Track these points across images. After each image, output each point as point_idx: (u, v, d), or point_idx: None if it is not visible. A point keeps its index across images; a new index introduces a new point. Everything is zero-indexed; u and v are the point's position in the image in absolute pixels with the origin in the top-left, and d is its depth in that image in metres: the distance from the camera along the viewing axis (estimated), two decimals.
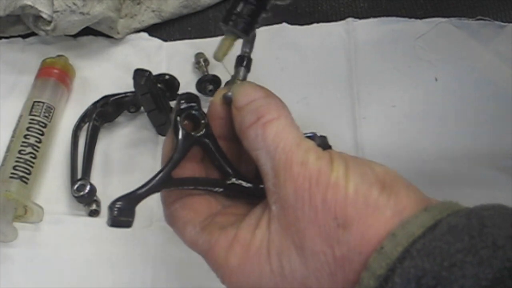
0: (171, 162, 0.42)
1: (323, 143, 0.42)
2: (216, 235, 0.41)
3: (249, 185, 0.43)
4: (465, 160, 0.66)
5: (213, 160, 0.43)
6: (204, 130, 0.43)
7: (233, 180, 0.43)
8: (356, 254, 0.36)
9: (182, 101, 0.44)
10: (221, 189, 0.43)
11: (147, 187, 0.41)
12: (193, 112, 0.43)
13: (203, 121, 0.43)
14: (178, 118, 0.43)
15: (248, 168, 0.45)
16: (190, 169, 0.43)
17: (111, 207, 0.40)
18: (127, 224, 0.40)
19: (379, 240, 0.36)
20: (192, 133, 0.43)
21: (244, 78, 0.45)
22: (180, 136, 0.42)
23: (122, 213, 0.40)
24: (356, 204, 0.36)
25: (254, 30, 0.46)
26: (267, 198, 0.39)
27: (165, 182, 0.42)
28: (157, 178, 0.41)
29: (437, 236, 0.34)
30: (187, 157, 0.43)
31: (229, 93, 0.43)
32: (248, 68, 0.46)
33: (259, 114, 0.40)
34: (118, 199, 0.40)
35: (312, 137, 0.42)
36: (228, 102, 0.43)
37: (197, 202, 0.43)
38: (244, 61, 0.45)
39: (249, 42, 0.46)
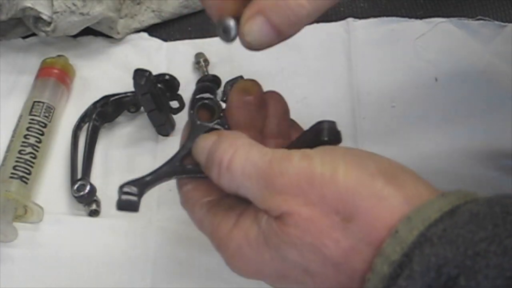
0: (183, 149, 0.42)
1: (330, 129, 0.41)
2: (219, 217, 0.40)
3: None
4: (465, 160, 0.66)
5: None
6: (218, 118, 0.44)
7: None
8: (365, 245, 0.34)
9: (198, 91, 0.45)
10: None
11: (156, 173, 0.41)
12: (207, 102, 0.44)
13: (217, 110, 0.44)
14: (194, 107, 0.44)
15: None
16: None
17: (120, 190, 0.40)
18: (134, 207, 0.40)
19: (389, 229, 0.34)
20: (206, 122, 0.43)
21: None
22: (193, 124, 0.43)
23: (130, 197, 0.40)
24: (359, 195, 0.35)
25: None
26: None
27: (175, 169, 0.42)
28: (167, 165, 0.41)
29: (459, 224, 0.32)
30: None
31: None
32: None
33: (216, 161, 0.39)
34: (127, 183, 0.41)
35: (321, 122, 0.41)
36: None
37: (210, 183, 0.41)
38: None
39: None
